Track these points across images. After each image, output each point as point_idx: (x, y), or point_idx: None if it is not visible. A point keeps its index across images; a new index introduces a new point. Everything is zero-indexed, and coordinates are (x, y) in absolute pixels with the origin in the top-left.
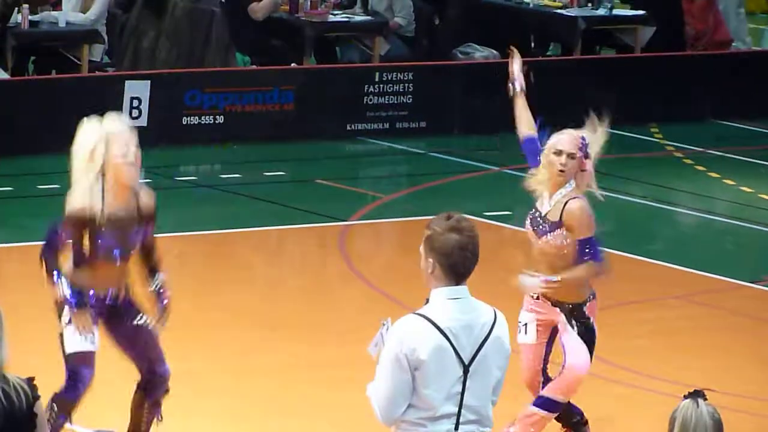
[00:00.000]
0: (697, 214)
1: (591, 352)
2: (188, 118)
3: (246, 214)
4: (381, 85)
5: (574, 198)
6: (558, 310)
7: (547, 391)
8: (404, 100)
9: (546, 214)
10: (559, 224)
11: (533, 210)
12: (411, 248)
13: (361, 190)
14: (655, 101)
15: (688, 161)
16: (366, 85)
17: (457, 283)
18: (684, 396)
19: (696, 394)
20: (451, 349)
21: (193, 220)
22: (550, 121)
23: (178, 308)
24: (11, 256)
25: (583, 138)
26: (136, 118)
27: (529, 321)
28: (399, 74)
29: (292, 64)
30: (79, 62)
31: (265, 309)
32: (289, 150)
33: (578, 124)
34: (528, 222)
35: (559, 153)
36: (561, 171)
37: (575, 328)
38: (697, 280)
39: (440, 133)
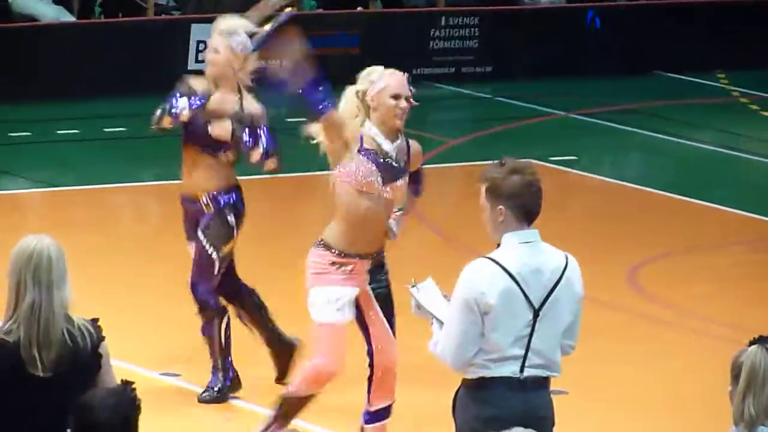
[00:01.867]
0: (761, 159)
1: None
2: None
3: (311, 158)
4: (447, 30)
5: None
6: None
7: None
8: (470, 45)
9: (395, 157)
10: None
11: (375, 156)
12: (477, 193)
13: (426, 134)
14: (718, 48)
15: (754, 107)
16: (432, 30)
17: (529, 224)
18: (749, 342)
19: (763, 340)
20: (521, 293)
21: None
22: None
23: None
24: (76, 199)
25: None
26: (203, 62)
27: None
28: (465, 19)
29: (359, 8)
30: (145, 5)
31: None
32: None
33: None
34: (373, 171)
35: (397, 97)
36: (402, 116)
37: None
38: (760, 226)
39: (505, 78)
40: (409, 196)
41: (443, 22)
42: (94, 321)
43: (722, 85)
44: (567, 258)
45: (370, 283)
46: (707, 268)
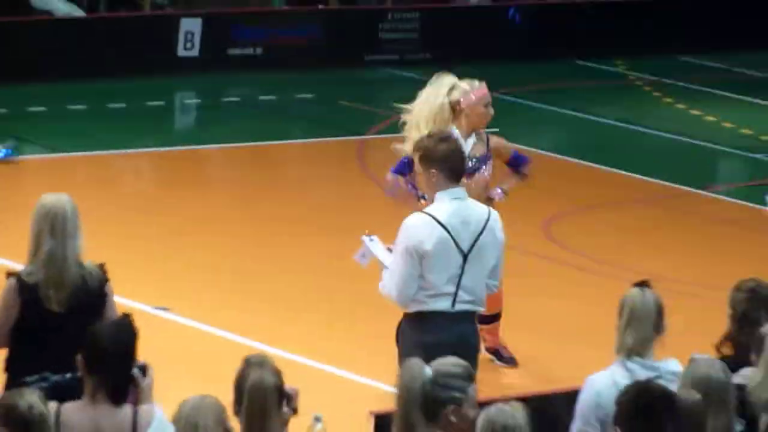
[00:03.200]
0: (654, 132)
1: None
2: (233, 50)
3: (279, 130)
4: (393, 23)
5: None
6: None
7: None
8: (412, 36)
9: (470, 153)
10: (488, 156)
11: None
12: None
13: (376, 110)
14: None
15: (648, 88)
16: (380, 23)
17: (457, 183)
18: (633, 285)
19: (643, 284)
20: (452, 240)
21: (237, 134)
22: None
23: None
24: (83, 165)
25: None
26: (189, 49)
27: None
28: (407, 14)
29: (320, 6)
30: (141, 3)
31: (293, 208)
32: (316, 76)
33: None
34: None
35: (488, 105)
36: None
37: None
38: (654, 187)
39: (441, 63)
40: (517, 178)
41: (390, 17)
42: (101, 265)
43: (621, 71)
44: (489, 211)
45: None
46: (610, 221)
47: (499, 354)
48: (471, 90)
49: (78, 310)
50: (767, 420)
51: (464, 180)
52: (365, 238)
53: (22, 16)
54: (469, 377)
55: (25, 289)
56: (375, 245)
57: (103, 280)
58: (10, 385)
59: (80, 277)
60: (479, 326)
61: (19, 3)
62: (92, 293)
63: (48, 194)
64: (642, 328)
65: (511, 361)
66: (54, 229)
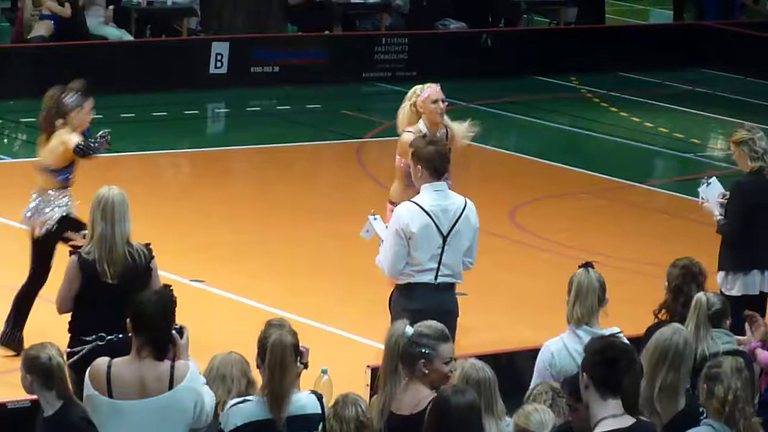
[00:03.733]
0: (602, 136)
1: None
2: (255, 68)
3: (292, 134)
4: (386, 47)
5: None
6: None
7: None
8: (402, 57)
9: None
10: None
11: None
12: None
13: (372, 117)
14: (572, 59)
15: (596, 100)
16: (376, 46)
17: (439, 179)
18: (579, 266)
19: (587, 264)
20: (434, 224)
21: (258, 137)
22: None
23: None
24: (133, 163)
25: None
26: (219, 68)
27: None
28: (398, 39)
29: (326, 32)
30: (180, 29)
31: (304, 198)
32: (322, 90)
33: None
34: None
35: (437, 101)
36: (441, 113)
37: None
38: (600, 181)
39: (426, 79)
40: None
41: (384, 41)
42: (147, 244)
43: (574, 85)
44: (466, 201)
45: None
46: (564, 209)
47: None
48: (423, 90)
49: (128, 281)
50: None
51: None
52: (370, 217)
53: (82, 40)
54: (442, 337)
55: (84, 264)
56: (377, 223)
57: (149, 256)
58: (72, 344)
59: (128, 255)
60: None
61: (79, 29)
62: (140, 268)
63: (103, 186)
64: (587, 302)
65: None
66: (104, 215)
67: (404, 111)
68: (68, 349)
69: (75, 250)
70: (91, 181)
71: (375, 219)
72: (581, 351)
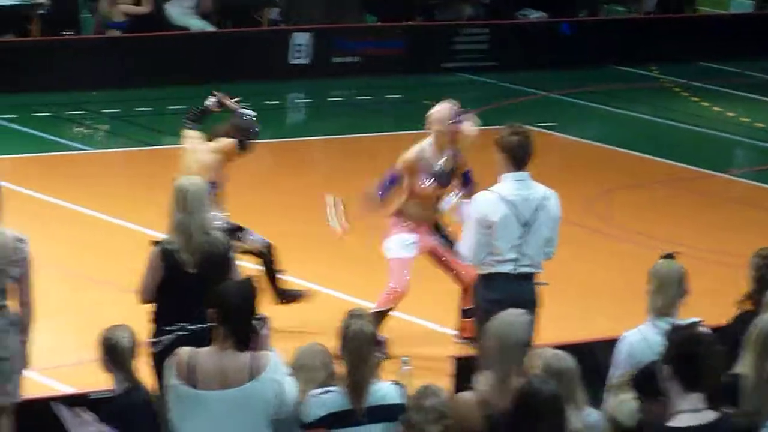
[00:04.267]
0: (682, 125)
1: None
2: (336, 59)
3: (372, 124)
4: (466, 37)
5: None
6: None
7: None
8: (482, 47)
9: (444, 167)
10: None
11: (432, 168)
12: (487, 147)
13: None
14: (652, 48)
15: (677, 89)
16: (456, 36)
17: (519, 170)
18: (660, 257)
19: (669, 255)
20: (514, 214)
21: (339, 127)
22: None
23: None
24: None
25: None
26: (300, 58)
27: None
28: (478, 29)
29: (405, 21)
30: (261, 20)
31: None
32: (403, 80)
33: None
34: (431, 179)
35: (446, 123)
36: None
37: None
38: (678, 170)
39: (506, 70)
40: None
41: (463, 31)
42: (226, 234)
43: (654, 75)
44: (546, 190)
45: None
46: (643, 199)
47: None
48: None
49: (207, 271)
50: None
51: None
52: (464, 202)
53: (165, 31)
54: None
55: (166, 254)
56: (463, 206)
57: (228, 246)
58: (154, 334)
59: (207, 244)
60: (462, 320)
61: (162, 20)
62: (218, 257)
63: (182, 177)
64: (670, 293)
65: None
66: (181, 205)
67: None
68: (151, 339)
69: (156, 240)
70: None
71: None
72: (662, 343)
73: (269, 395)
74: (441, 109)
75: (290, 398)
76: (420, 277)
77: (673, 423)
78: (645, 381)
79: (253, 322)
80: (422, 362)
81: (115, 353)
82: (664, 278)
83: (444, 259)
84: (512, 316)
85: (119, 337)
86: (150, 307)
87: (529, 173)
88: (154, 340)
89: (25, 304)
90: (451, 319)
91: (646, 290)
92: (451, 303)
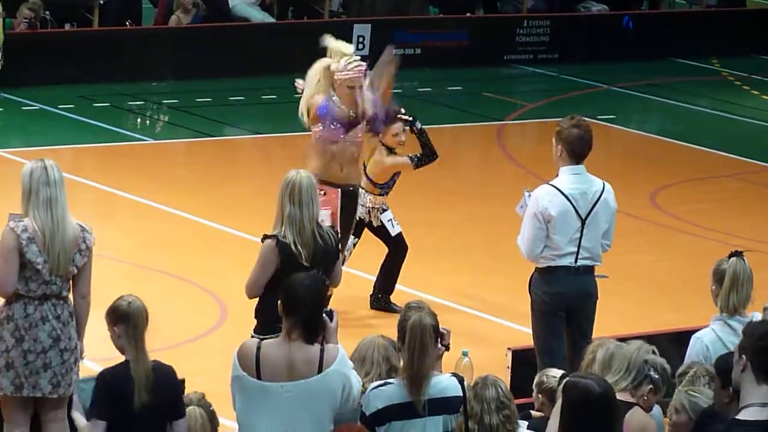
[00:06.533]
0: (743, 119)
1: None
2: (397, 50)
3: (433, 116)
4: (527, 29)
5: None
6: None
7: None
8: (543, 39)
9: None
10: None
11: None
12: (547, 140)
13: (513, 100)
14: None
15: (738, 83)
16: (517, 29)
17: (577, 163)
18: (729, 255)
19: (739, 254)
20: (572, 208)
21: None
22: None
23: None
24: (274, 145)
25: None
26: (361, 50)
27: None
28: (540, 21)
29: (467, 14)
30: (322, 11)
31: (444, 179)
32: (464, 72)
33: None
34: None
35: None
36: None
37: None
38: (739, 164)
39: (568, 62)
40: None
41: (525, 23)
42: (333, 227)
43: (716, 68)
44: (604, 183)
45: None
46: (704, 192)
47: None
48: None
49: (319, 263)
50: None
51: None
52: (526, 193)
53: (226, 22)
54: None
55: (281, 247)
56: (532, 200)
57: (337, 239)
58: (262, 330)
59: (318, 236)
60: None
61: (222, 11)
62: (329, 250)
63: (291, 170)
64: (743, 291)
65: None
66: (292, 198)
67: (319, 72)
68: (256, 335)
69: (270, 234)
70: (237, 163)
71: (530, 196)
72: (735, 342)
73: (337, 388)
74: (354, 71)
75: (356, 392)
76: (478, 270)
77: (742, 416)
78: (728, 368)
79: (322, 314)
80: (482, 354)
81: (122, 317)
82: (738, 276)
83: None
84: None
85: (125, 302)
86: (255, 303)
87: (584, 166)
88: (263, 337)
89: (83, 295)
90: (511, 310)
91: (711, 288)
92: (513, 293)
